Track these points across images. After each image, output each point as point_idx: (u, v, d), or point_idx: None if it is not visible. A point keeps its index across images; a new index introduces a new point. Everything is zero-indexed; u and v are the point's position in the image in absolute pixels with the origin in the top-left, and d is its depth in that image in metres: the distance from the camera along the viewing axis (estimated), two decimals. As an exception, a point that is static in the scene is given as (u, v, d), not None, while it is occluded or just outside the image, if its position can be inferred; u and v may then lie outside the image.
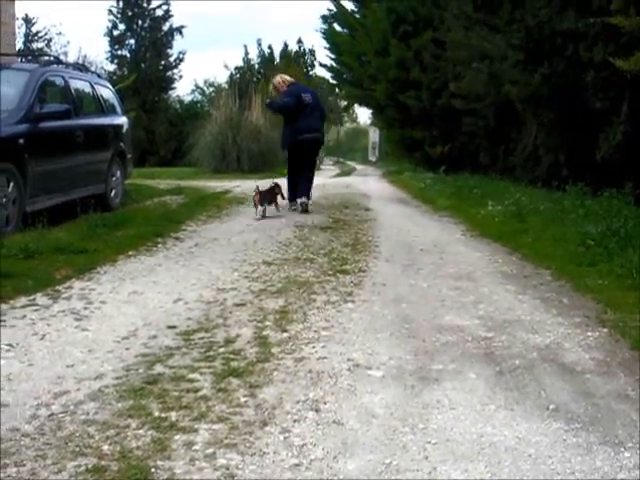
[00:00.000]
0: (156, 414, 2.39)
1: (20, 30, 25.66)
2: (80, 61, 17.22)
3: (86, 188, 7.21)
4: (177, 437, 2.22)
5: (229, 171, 16.25)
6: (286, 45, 37.29)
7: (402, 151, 19.44)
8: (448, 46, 12.32)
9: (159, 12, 29.85)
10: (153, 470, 2.01)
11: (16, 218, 5.73)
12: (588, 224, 5.85)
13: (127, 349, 3.09)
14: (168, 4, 29.77)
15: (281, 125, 8.80)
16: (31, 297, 3.93)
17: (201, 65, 73.27)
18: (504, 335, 3.34)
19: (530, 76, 8.44)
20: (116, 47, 29.49)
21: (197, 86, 33.13)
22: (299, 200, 7.99)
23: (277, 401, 2.52)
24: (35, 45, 27.59)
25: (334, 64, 20.94)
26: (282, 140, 8.44)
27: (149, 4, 29.64)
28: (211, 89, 32.16)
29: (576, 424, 2.36)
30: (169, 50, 30.27)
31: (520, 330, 3.42)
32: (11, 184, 5.63)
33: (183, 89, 73.88)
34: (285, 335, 3.31)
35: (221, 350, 3.08)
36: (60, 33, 37.67)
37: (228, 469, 2.03)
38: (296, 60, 35.79)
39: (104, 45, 41.06)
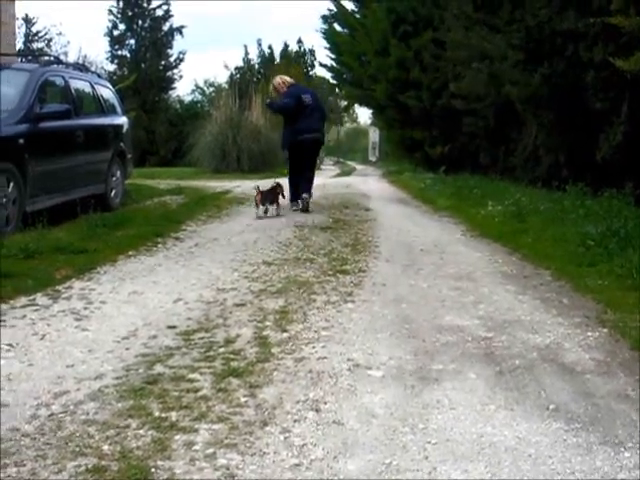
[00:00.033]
0: (156, 414, 2.39)
1: (20, 30, 25.70)
2: (80, 61, 17.23)
3: (86, 188, 7.21)
4: (177, 437, 2.22)
5: (229, 171, 16.26)
6: (286, 45, 37.38)
7: (402, 151, 19.45)
8: (448, 46, 12.32)
9: (159, 12, 29.94)
10: (153, 470, 2.01)
11: (16, 218, 5.73)
12: (588, 224, 5.85)
13: (127, 349, 3.09)
14: (168, 4, 29.85)
15: (281, 125, 8.86)
16: (31, 297, 3.93)
17: (201, 65, 73.42)
18: (504, 335, 3.34)
19: (530, 76, 8.45)
20: (116, 47, 29.52)
21: (197, 86, 33.22)
22: (302, 196, 8.05)
23: (277, 401, 2.52)
24: (35, 45, 27.62)
25: (334, 64, 20.95)
26: (282, 141, 8.48)
27: (149, 4, 29.68)
28: (211, 89, 32.22)
29: (576, 424, 2.36)
30: (169, 50, 30.33)
31: (520, 330, 3.42)
32: (11, 184, 5.63)
33: (183, 89, 73.99)
34: (285, 335, 3.31)
35: (221, 350, 3.08)
36: (60, 33, 37.72)
37: (228, 469, 2.03)
38: (296, 60, 35.79)
39: (104, 45, 41.12)
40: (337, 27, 20.20)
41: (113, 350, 3.07)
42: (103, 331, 3.36)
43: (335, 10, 19.94)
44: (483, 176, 11.89)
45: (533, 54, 8.48)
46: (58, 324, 3.45)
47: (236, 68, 34.30)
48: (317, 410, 2.45)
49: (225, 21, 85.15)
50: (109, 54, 29.35)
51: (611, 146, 7.44)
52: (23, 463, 2.04)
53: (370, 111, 26.91)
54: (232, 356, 2.99)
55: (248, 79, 30.94)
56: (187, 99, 32.09)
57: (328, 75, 23.78)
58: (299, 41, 39.18)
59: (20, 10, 23.15)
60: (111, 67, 28.81)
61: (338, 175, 23.08)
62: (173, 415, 2.38)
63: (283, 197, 7.91)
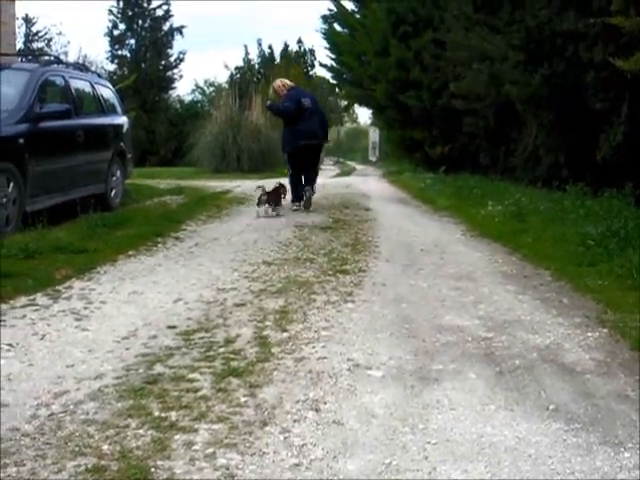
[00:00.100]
0: (156, 414, 2.39)
1: (20, 30, 25.70)
2: (80, 61, 17.22)
3: (86, 188, 7.21)
4: (177, 437, 2.22)
5: (229, 171, 16.26)
6: (286, 45, 37.37)
7: (402, 151, 19.44)
8: (448, 47, 12.31)
9: (159, 12, 29.91)
10: (153, 470, 2.01)
11: (16, 218, 5.73)
12: (588, 224, 5.85)
13: (127, 349, 3.09)
14: (168, 4, 29.84)
15: (281, 125, 8.94)
16: (31, 297, 3.93)
17: (201, 65, 73.40)
18: (504, 335, 3.34)
19: (530, 77, 8.45)
20: (116, 47, 29.51)
21: (197, 86, 33.18)
22: (304, 188, 8.21)
23: (277, 401, 2.52)
24: (35, 45, 27.62)
25: (334, 64, 20.94)
26: (283, 142, 8.55)
27: (149, 4, 29.67)
28: (211, 89, 32.19)
29: (576, 424, 2.36)
30: (169, 50, 30.31)
31: (520, 330, 3.42)
32: (11, 184, 5.63)
33: (183, 89, 73.92)
34: (285, 335, 3.31)
35: (221, 350, 3.08)
36: (60, 33, 37.60)
37: (228, 469, 2.03)
38: (296, 60, 35.79)
39: (104, 45, 41.07)
40: (337, 27, 20.20)
41: (113, 350, 3.07)
42: (103, 331, 3.36)
43: (335, 10, 19.94)
44: (483, 176, 11.89)
45: (533, 55, 8.48)
46: (58, 324, 3.45)
47: (236, 68, 34.37)
48: (317, 410, 2.45)
49: (225, 21, 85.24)
50: (109, 54, 29.40)
51: (611, 146, 7.44)
52: (23, 463, 2.04)
53: (370, 111, 26.92)
54: (232, 356, 2.99)
55: (248, 79, 30.95)
56: (187, 99, 32.12)
57: (328, 75, 23.82)
58: (299, 41, 39.26)
59: (20, 10, 23.18)
60: (111, 67, 28.85)
61: (338, 175, 23.09)
62: (173, 415, 2.38)
63: (285, 198, 7.97)
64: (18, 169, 5.72)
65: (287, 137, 8.32)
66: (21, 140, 5.86)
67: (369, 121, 41.48)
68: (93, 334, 3.30)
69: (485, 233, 6.59)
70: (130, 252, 5.38)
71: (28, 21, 28.04)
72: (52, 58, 9.55)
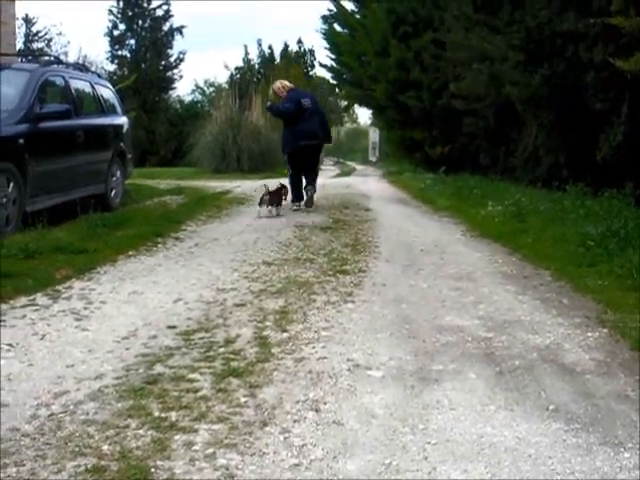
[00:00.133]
0: (156, 414, 2.39)
1: (20, 30, 25.70)
2: (80, 61, 17.22)
3: (86, 188, 7.22)
4: (177, 437, 2.22)
5: (229, 171, 16.26)
6: (286, 45, 37.37)
7: (402, 152, 19.44)
8: (448, 47, 12.31)
9: (159, 12, 29.87)
10: (153, 470, 2.01)
11: (16, 218, 5.74)
12: (588, 224, 5.85)
13: (127, 349, 3.09)
14: (168, 4, 29.80)
15: (281, 126, 8.99)
16: (31, 297, 3.93)
17: (201, 65, 73.23)
18: (504, 335, 3.34)
19: (530, 77, 8.44)
20: (116, 47, 29.49)
21: (197, 86, 33.14)
22: (306, 188, 8.29)
23: (277, 401, 2.52)
24: (35, 45, 27.61)
25: (334, 64, 20.93)
26: (283, 143, 8.58)
27: (149, 4, 29.64)
28: (211, 89, 32.16)
29: (576, 424, 2.36)
30: (169, 50, 30.27)
31: (520, 330, 3.42)
32: (11, 184, 5.63)
33: (183, 89, 73.85)
34: (285, 335, 3.31)
35: (221, 350, 3.08)
36: (60, 33, 37.70)
37: (228, 469, 2.03)
38: (296, 60, 35.79)
39: (104, 45, 41.06)
40: (337, 27, 20.19)
41: (113, 350, 3.07)
42: (103, 331, 3.36)
43: (335, 10, 19.93)
44: (483, 176, 11.89)
45: (533, 55, 8.48)
46: (58, 324, 3.45)
47: (236, 68, 34.34)
48: (317, 410, 2.45)
49: (225, 21, 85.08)
50: (109, 54, 29.36)
51: (611, 146, 7.44)
52: (23, 463, 2.04)
53: (370, 111, 26.91)
54: (232, 356, 2.99)
55: (248, 79, 30.94)
56: (187, 99, 32.09)
57: (328, 75, 23.78)
58: (299, 41, 39.24)
59: (20, 10, 23.15)
60: (111, 67, 28.82)
61: (338, 175, 23.08)
62: (173, 415, 2.38)
63: (286, 199, 8.00)
64: (18, 169, 5.72)
65: (287, 137, 8.37)
66: (21, 140, 5.87)
67: (369, 121, 41.48)
68: (93, 334, 3.30)
69: (485, 233, 6.59)
70: (130, 252, 5.38)
71: (28, 21, 28.06)
72: (52, 58, 9.56)
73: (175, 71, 30.60)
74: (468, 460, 2.10)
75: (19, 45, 21.73)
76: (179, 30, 30.17)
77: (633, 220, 5.76)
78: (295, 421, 2.36)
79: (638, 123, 7.19)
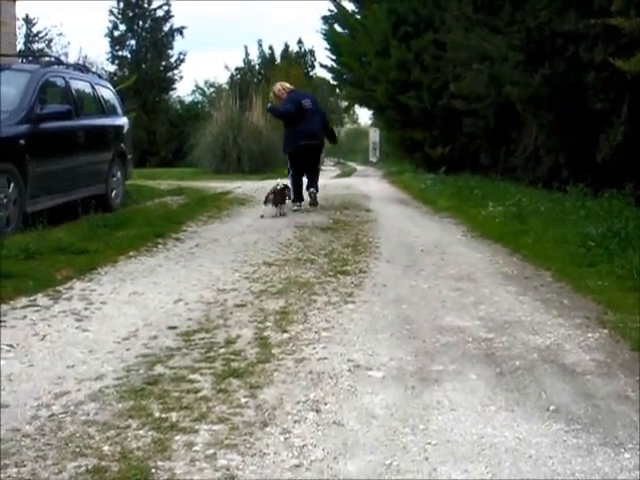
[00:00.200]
0: (156, 415, 2.39)
1: (21, 31, 25.76)
2: (81, 62, 17.26)
3: (87, 189, 7.22)
4: (177, 438, 2.22)
5: (230, 172, 16.28)
6: (287, 46, 37.33)
7: (402, 152, 19.45)
8: (449, 47, 12.31)
9: (160, 13, 29.95)
10: (153, 471, 2.01)
11: (17, 219, 5.74)
12: (589, 225, 5.85)
13: (127, 350, 3.09)
14: (169, 5, 29.87)
15: (281, 126, 9.09)
16: (32, 297, 3.93)
17: (202, 66, 73.18)
18: (505, 336, 3.34)
19: (530, 77, 8.45)
20: (117, 48, 29.53)
21: (198, 87, 33.19)
22: (309, 190, 8.42)
23: (277, 402, 2.52)
24: (36, 46, 27.67)
25: (335, 65, 20.94)
26: (284, 143, 8.65)
27: (150, 5, 29.70)
28: (212, 90, 32.19)
29: (576, 425, 2.36)
30: (170, 51, 30.35)
31: (521, 331, 3.42)
32: (12, 185, 5.64)
33: (184, 90, 73.61)
34: (285, 336, 3.31)
35: (221, 351, 3.08)
36: (61, 34, 37.71)
37: (228, 470, 2.03)
38: (297, 61, 35.77)
39: (105, 46, 40.95)
40: (337, 28, 20.20)
41: (114, 351, 3.07)
42: (104, 332, 3.36)
43: (335, 11, 19.94)
44: (483, 177, 11.89)
45: (533, 55, 8.48)
46: (59, 325, 3.45)
47: (236, 69, 34.32)
48: (317, 411, 2.45)
49: (225, 21, 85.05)
50: (110, 55, 29.42)
51: (611, 147, 7.44)
52: (23, 463, 2.04)
53: (370, 112, 26.94)
54: (232, 357, 2.99)
55: (248, 80, 30.94)
56: (188, 100, 32.12)
57: (328, 76, 23.79)
58: (299, 42, 39.15)
59: (20, 10, 23.20)
60: (112, 68, 28.87)
61: (339, 176, 23.06)
62: (173, 416, 2.38)
63: (289, 199, 8.05)
64: (19, 170, 5.72)
65: (288, 138, 8.47)
66: (22, 141, 5.87)
67: (369, 122, 41.44)
68: (94, 335, 3.31)
69: (486, 234, 6.59)
70: (131, 253, 5.38)
71: (29, 22, 28.12)
72: (52, 59, 9.56)
73: (175, 72, 30.72)
74: (469, 461, 2.10)
75: (19, 46, 21.76)
76: (179, 31, 30.25)
77: (634, 220, 5.75)
78: (295, 422, 2.36)
79: (638, 123, 7.19)
